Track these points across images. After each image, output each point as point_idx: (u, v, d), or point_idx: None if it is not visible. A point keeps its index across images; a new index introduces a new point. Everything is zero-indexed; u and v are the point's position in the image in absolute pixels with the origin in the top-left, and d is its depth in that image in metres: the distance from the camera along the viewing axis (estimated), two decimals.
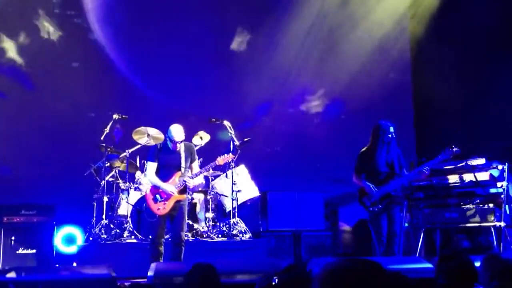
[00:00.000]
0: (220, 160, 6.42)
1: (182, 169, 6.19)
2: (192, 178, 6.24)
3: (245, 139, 7.84)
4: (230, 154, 6.60)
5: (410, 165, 7.54)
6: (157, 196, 6.16)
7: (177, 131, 6.12)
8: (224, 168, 7.78)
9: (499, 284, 3.54)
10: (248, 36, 9.92)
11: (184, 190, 6.23)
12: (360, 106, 10.18)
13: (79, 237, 7.88)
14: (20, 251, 7.12)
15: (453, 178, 7.29)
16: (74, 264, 6.94)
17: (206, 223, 7.70)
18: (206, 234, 7.55)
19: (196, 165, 6.36)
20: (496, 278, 3.60)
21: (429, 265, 4.52)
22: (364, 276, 1.58)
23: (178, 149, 6.19)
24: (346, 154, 8.06)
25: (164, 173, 6.22)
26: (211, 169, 6.68)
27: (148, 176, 6.32)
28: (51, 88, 9.02)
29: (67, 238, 8.04)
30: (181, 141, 6.16)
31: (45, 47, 9.11)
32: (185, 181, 6.16)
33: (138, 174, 7.72)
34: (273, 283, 2.84)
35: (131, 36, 9.39)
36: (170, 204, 6.13)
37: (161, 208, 6.13)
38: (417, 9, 10.30)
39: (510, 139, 8.56)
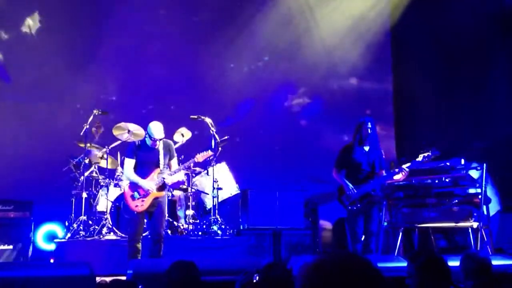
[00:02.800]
0: (199, 157, 6.40)
1: (161, 166, 6.15)
2: (171, 175, 6.21)
3: (225, 137, 7.85)
4: (209, 151, 6.56)
5: (390, 165, 7.60)
6: (135, 193, 6.11)
7: (156, 128, 6.07)
8: (205, 165, 7.77)
9: (475, 283, 3.60)
10: (230, 33, 9.90)
11: (162, 187, 6.19)
12: (341, 105, 10.25)
13: (60, 235, 7.79)
14: None
15: (432, 178, 7.35)
16: (51, 261, 6.86)
17: (186, 221, 7.67)
18: (186, 232, 7.52)
19: (175, 162, 6.32)
20: (471, 278, 3.66)
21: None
22: (352, 270, 1.58)
23: (157, 146, 6.15)
24: (326, 153, 8.11)
25: (142, 170, 6.17)
26: (190, 166, 6.64)
27: (127, 173, 6.27)
28: (28, 81, 8.90)
29: (49, 235, 7.95)
30: (161, 139, 6.12)
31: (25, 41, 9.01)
32: (164, 178, 6.12)
33: (119, 170, 7.66)
34: (254, 281, 2.85)
35: (114, 29, 9.30)
36: (148, 201, 6.09)
37: (139, 205, 6.08)
38: (399, 8, 10.38)
39: (489, 139, 8.69)
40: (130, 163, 6.18)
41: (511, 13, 8.84)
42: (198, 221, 7.74)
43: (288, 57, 10.22)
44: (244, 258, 6.84)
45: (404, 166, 6.31)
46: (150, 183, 6.09)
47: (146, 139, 6.16)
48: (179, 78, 9.60)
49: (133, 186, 6.15)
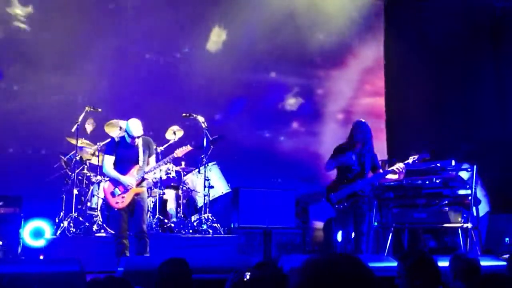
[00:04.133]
0: (178, 152, 6.40)
1: (140, 163, 6.14)
2: (150, 171, 6.20)
3: (218, 135, 7.83)
4: (188, 145, 6.54)
5: (381, 165, 7.63)
6: (116, 189, 6.10)
7: (134, 126, 6.05)
8: (197, 163, 7.76)
9: (463, 284, 3.62)
10: (224, 32, 9.89)
11: (142, 183, 6.18)
12: (334, 106, 10.28)
13: (48, 231, 7.73)
14: None
15: (422, 179, 7.38)
16: (41, 257, 6.82)
17: (177, 219, 7.66)
18: (177, 230, 7.51)
19: (152, 159, 6.30)
20: (460, 278, 3.68)
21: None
22: (344, 270, 1.58)
23: (136, 144, 6.14)
24: (319, 152, 8.13)
25: (121, 167, 6.16)
26: (169, 162, 6.57)
27: (106, 170, 6.23)
28: (18, 75, 8.84)
29: (35, 232, 7.88)
30: (139, 136, 6.10)
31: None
32: (144, 173, 6.12)
33: None
34: (245, 279, 2.86)
35: (106, 25, 9.27)
36: (128, 197, 6.08)
37: (120, 202, 6.07)
38: (392, 13, 10.43)
39: (478, 141, 8.75)
40: (109, 159, 6.16)
41: (499, 17, 8.92)
42: (189, 219, 7.73)
43: (282, 57, 10.21)
44: (234, 256, 6.84)
45: (400, 166, 6.29)
46: (130, 179, 6.08)
47: (125, 136, 6.14)
48: (173, 76, 9.58)
49: (113, 183, 6.14)
